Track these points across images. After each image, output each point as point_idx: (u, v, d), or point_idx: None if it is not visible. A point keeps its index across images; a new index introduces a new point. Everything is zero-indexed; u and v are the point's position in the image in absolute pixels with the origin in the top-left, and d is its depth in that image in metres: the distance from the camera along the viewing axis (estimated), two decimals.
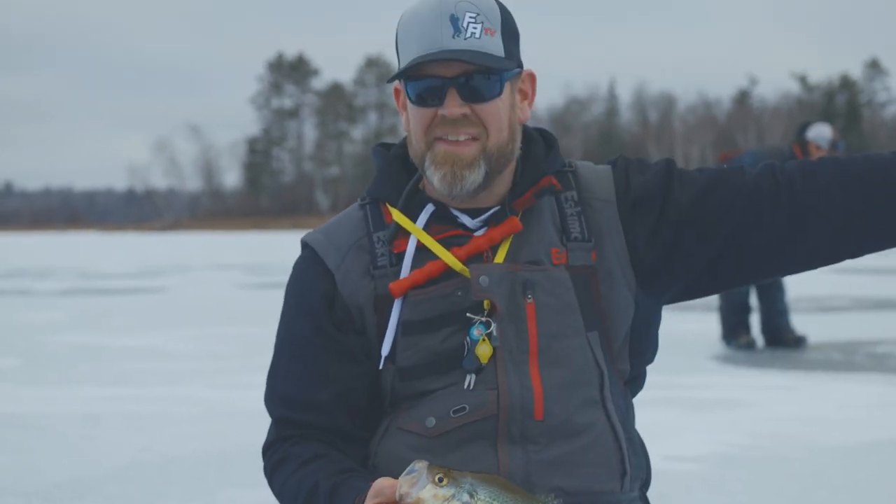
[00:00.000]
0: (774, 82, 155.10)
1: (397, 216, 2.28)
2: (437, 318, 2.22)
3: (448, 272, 2.23)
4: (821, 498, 5.53)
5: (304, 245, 2.36)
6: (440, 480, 1.89)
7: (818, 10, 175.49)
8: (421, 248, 2.26)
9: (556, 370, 2.23)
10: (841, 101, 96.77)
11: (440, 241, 2.25)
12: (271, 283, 22.18)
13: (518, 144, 2.29)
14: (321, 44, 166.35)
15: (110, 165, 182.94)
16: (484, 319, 2.22)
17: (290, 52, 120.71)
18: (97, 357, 11.05)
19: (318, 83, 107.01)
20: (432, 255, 2.24)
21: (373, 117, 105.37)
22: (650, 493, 2.39)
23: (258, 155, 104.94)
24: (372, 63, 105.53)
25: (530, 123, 2.37)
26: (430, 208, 2.28)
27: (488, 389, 2.21)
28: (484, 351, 2.21)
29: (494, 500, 1.88)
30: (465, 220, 2.27)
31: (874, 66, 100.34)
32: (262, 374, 2.42)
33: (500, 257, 2.24)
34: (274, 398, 2.33)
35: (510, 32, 2.25)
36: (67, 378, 9.63)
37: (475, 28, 2.20)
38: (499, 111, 2.23)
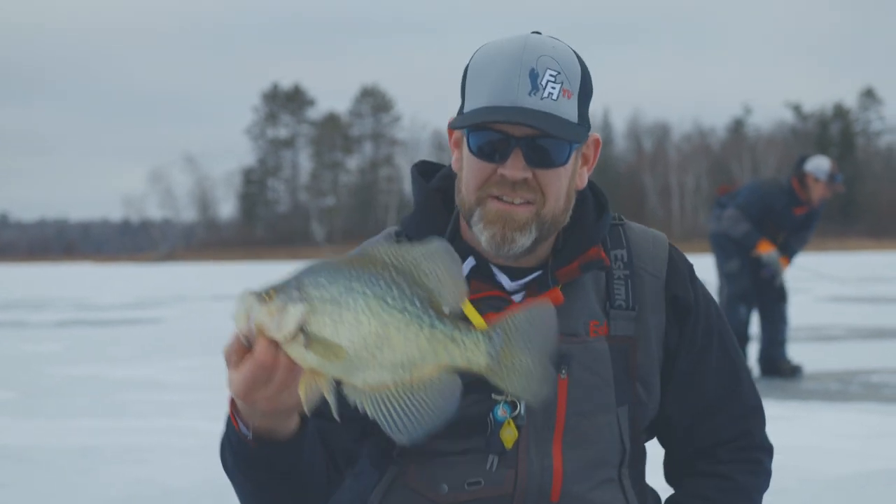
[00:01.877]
0: (769, 111, 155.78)
1: None
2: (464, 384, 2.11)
3: None
4: None
5: None
6: (269, 296, 1.73)
7: (813, 39, 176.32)
8: None
9: (579, 450, 2.16)
10: (835, 130, 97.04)
11: (475, 301, 2.11)
12: None
13: (570, 213, 2.18)
14: (317, 74, 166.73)
15: (106, 196, 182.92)
16: (509, 400, 2.12)
17: (286, 83, 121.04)
18: (94, 388, 11.04)
19: (314, 113, 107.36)
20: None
21: (368, 147, 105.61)
22: None
23: (253, 185, 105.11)
24: (367, 93, 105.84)
25: None
26: (470, 262, 2.17)
27: (507, 468, 2.13)
28: (509, 435, 2.12)
29: (322, 283, 1.72)
30: (504, 280, 2.17)
31: (869, 95, 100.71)
32: None
33: None
34: None
35: (586, 94, 2.14)
36: (64, 410, 9.62)
37: (554, 88, 2.06)
38: (560, 179, 2.11)
